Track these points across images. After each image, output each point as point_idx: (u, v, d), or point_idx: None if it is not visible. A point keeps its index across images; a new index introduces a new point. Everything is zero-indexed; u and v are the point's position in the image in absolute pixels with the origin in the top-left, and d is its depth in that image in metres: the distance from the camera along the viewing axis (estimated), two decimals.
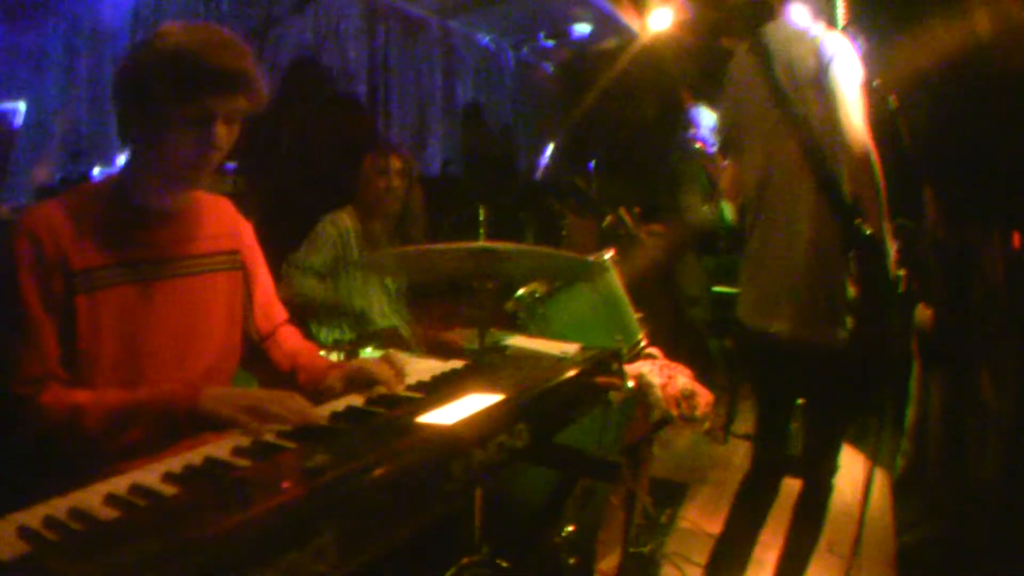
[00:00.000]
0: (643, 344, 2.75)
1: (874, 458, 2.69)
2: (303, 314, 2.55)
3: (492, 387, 1.32)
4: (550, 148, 4.46)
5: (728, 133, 2.39)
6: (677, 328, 3.87)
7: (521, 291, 2.74)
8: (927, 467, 3.00)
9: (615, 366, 1.69)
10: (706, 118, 4.04)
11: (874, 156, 2.01)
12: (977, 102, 2.40)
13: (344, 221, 2.72)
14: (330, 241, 2.64)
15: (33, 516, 0.91)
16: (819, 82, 2.05)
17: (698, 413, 2.57)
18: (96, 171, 2.38)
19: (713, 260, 4.03)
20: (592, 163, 4.54)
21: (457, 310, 2.80)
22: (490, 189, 4.36)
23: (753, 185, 2.24)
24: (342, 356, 2.17)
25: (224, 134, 1.36)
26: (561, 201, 4.24)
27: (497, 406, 1.22)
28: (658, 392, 2.47)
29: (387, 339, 2.66)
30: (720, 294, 3.90)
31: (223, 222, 1.60)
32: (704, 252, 4.08)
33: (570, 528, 2.38)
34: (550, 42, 4.47)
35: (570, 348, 1.67)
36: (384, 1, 3.67)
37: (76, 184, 2.49)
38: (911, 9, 2.64)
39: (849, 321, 2.07)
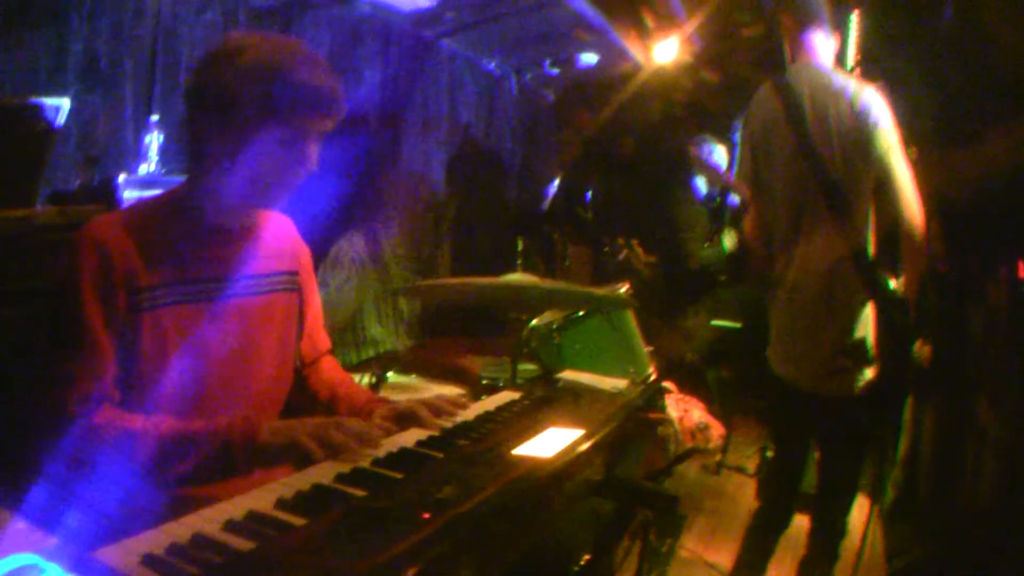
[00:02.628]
0: (653, 377, 2.80)
1: (872, 492, 2.75)
2: None
3: (565, 421, 1.33)
4: (557, 179, 4.51)
5: (752, 176, 2.37)
6: (674, 360, 3.93)
7: (535, 321, 2.76)
8: (917, 494, 3.06)
9: (660, 401, 1.73)
10: (715, 154, 4.12)
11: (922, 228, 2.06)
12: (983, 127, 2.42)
13: (359, 244, 2.71)
14: (353, 267, 2.63)
15: (154, 543, 0.88)
16: (858, 143, 2.08)
17: (711, 445, 2.65)
18: (121, 178, 2.32)
19: (713, 295, 4.10)
20: (589, 193, 4.61)
21: (475, 337, 2.81)
22: (485, 212, 4.38)
23: (779, 233, 2.26)
24: (372, 379, 2.16)
25: (316, 154, 1.34)
26: (561, 230, 4.28)
27: (580, 440, 1.23)
28: (676, 425, 2.53)
29: (404, 361, 2.65)
30: (719, 328, 3.97)
31: (285, 241, 1.57)
32: (705, 288, 4.15)
33: (587, 556, 2.37)
34: (555, 70, 4.51)
35: (619, 382, 1.70)
36: (397, 23, 3.69)
37: (98, 192, 2.44)
38: (925, 49, 2.64)
39: (866, 373, 2.11)
